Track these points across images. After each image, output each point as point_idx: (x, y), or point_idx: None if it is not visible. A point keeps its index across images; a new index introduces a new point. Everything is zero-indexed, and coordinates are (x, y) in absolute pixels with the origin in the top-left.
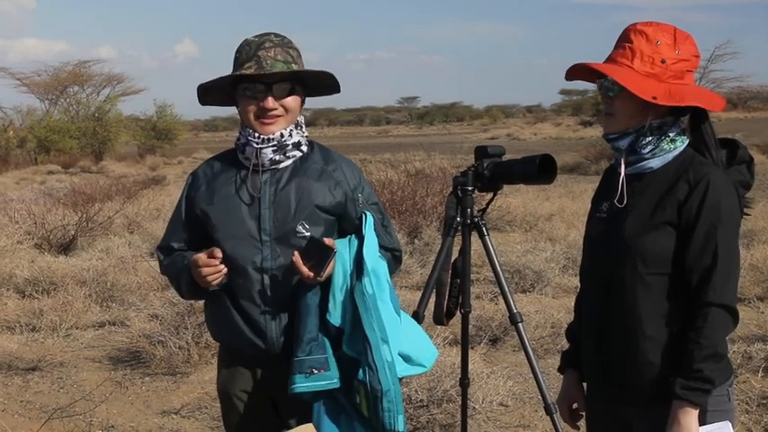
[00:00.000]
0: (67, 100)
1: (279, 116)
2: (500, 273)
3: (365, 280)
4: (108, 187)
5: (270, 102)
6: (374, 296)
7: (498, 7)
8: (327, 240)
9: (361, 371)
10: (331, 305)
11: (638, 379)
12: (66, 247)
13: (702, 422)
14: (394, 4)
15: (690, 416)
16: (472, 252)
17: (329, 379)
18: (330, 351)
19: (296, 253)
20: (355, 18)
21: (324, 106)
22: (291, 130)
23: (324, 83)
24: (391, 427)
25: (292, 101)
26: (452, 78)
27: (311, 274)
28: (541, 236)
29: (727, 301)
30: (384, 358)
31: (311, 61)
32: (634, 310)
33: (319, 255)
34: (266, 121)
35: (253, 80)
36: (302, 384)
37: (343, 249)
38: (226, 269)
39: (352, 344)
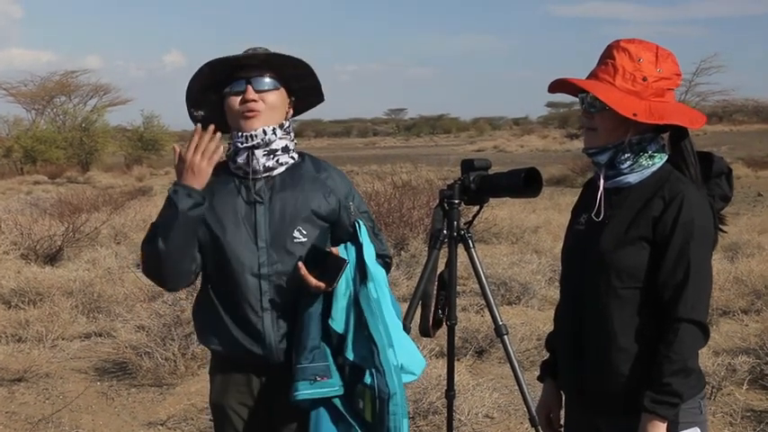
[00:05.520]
0: (54, 110)
1: (260, 111)
2: (485, 285)
3: (369, 285)
4: (95, 198)
5: (250, 92)
6: (378, 301)
7: (486, 20)
8: (334, 250)
9: (368, 374)
10: (334, 311)
11: (610, 390)
12: (52, 258)
13: None
14: (382, 16)
15: (658, 429)
16: (458, 264)
17: (332, 386)
18: (331, 359)
19: (300, 264)
20: (343, 30)
21: (311, 117)
22: (275, 129)
23: (308, 84)
24: (396, 431)
25: (273, 96)
26: (440, 90)
27: (321, 284)
28: (528, 248)
29: (698, 317)
30: (390, 362)
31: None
32: (607, 323)
33: (328, 265)
34: (248, 114)
35: (225, 63)
36: (306, 392)
37: (344, 257)
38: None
39: (356, 349)
